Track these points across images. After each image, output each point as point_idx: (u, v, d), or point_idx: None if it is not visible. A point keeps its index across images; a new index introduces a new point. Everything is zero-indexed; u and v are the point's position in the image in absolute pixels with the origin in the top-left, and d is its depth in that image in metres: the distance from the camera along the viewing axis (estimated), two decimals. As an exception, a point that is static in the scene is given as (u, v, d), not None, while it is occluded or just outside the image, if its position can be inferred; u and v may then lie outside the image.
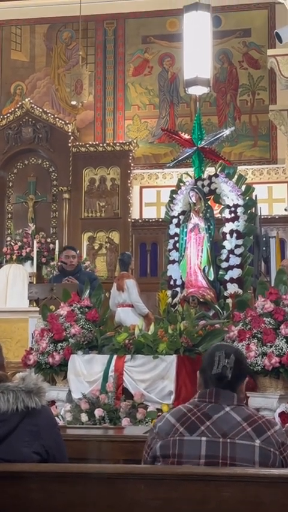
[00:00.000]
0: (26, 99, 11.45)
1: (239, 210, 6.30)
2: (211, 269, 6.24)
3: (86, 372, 5.47)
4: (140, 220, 11.16)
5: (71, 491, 2.20)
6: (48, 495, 2.22)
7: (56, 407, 5.41)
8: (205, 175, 6.68)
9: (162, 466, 2.26)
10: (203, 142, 6.70)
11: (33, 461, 2.39)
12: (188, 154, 6.80)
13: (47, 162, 11.52)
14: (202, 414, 2.27)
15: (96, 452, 3.32)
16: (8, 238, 11.25)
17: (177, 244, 6.59)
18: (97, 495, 2.18)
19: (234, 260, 6.18)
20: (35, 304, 8.23)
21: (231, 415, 2.26)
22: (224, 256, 6.25)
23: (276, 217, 10.63)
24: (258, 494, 2.09)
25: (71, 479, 2.22)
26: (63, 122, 11.31)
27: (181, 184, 6.88)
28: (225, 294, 6.14)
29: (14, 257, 10.69)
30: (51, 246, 11.03)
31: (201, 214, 6.40)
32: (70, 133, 11.24)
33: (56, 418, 4.93)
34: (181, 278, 6.48)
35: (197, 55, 6.87)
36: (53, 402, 5.49)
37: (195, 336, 5.25)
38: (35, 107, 11.36)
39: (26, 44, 12.06)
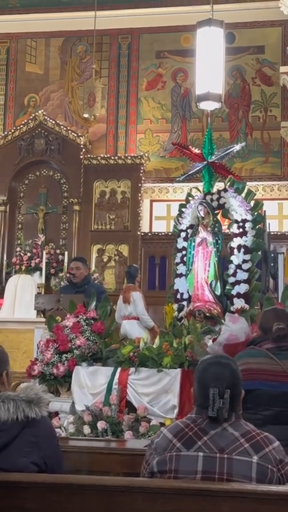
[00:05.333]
0: (39, 111, 11.54)
1: (247, 225, 6.29)
2: (218, 284, 6.22)
3: (90, 384, 5.46)
4: (149, 234, 11.17)
5: (68, 502, 2.19)
6: (44, 506, 2.21)
7: (59, 418, 5.40)
8: (214, 190, 6.68)
9: (160, 480, 2.25)
10: (213, 157, 6.70)
11: (30, 471, 2.38)
12: (198, 168, 6.80)
13: (59, 174, 11.58)
14: (199, 429, 2.25)
15: (97, 465, 3.30)
16: (18, 249, 11.29)
17: (185, 258, 6.58)
18: (94, 507, 2.17)
19: (242, 275, 6.16)
20: (42, 315, 8.24)
21: (228, 430, 2.24)
22: (231, 271, 6.23)
23: (286, 233, 10.61)
24: (256, 511, 2.07)
25: (68, 490, 2.21)
26: (75, 135, 11.38)
27: (190, 198, 6.88)
28: (231, 309, 6.11)
29: (23, 267, 10.70)
30: (60, 257, 11.05)
31: (209, 229, 6.39)
32: (82, 146, 11.30)
33: (59, 429, 4.93)
34: (188, 292, 6.46)
35: (209, 70, 6.89)
36: (56, 413, 5.49)
37: (201, 350, 5.23)
38: (48, 119, 11.44)
39: (41, 56, 12.17)
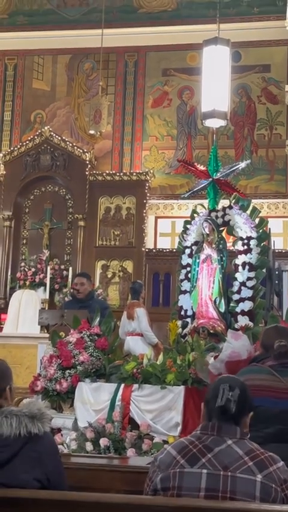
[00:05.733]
0: (46, 127, 11.60)
1: (252, 242, 6.28)
2: (222, 301, 6.21)
3: (93, 400, 5.44)
4: (154, 250, 11.17)
5: (70, 519, 2.17)
6: (46, 523, 2.19)
7: (62, 435, 5.37)
8: (219, 207, 6.69)
9: (162, 498, 2.23)
10: (218, 174, 6.72)
11: (33, 487, 2.37)
12: (203, 185, 6.82)
13: (64, 190, 11.61)
14: (203, 446, 2.24)
15: (99, 482, 3.27)
16: (22, 264, 11.30)
17: (189, 275, 6.57)
18: (95, 525, 2.15)
19: (246, 292, 6.14)
20: (45, 330, 8.23)
21: (233, 448, 2.23)
22: (235, 289, 6.22)
23: (291, 251, 10.58)
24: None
25: (70, 507, 2.20)
26: (81, 151, 11.43)
27: (195, 215, 6.89)
28: (235, 327, 6.09)
29: (27, 283, 10.71)
30: (64, 272, 11.05)
31: (214, 246, 6.39)
32: (87, 162, 11.34)
33: (61, 446, 4.89)
34: (192, 309, 6.45)
35: (215, 88, 6.94)
36: (58, 430, 5.45)
37: (204, 367, 5.20)
38: (54, 135, 11.49)
39: (48, 73, 12.25)
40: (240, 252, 6.33)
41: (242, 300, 6.17)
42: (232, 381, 2.38)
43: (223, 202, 6.91)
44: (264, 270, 6.32)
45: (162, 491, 2.24)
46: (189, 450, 2.25)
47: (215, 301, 6.21)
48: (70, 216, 11.50)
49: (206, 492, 2.17)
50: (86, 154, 11.37)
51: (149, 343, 7.38)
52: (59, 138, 11.49)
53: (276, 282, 6.96)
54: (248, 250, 6.27)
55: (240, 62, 11.34)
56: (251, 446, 2.26)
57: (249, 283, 6.18)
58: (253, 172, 11.14)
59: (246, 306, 6.12)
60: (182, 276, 6.72)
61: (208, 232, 6.44)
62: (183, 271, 6.70)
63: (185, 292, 6.61)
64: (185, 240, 6.81)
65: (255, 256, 6.24)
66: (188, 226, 6.87)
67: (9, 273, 11.33)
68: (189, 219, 6.96)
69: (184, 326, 6.27)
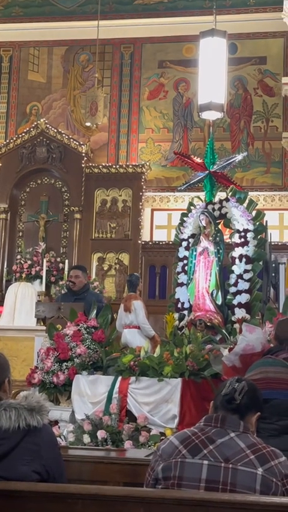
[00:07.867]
0: (41, 120, 11.57)
1: (249, 235, 6.27)
2: (219, 293, 6.20)
3: (90, 393, 5.44)
4: (150, 243, 11.18)
5: (69, 512, 2.18)
6: (45, 515, 2.19)
7: (59, 427, 5.37)
8: (216, 200, 6.68)
9: (162, 490, 2.23)
10: (215, 167, 6.70)
11: (32, 480, 2.37)
12: (199, 178, 6.80)
13: (60, 182, 11.59)
14: (206, 438, 2.26)
15: (96, 474, 3.28)
16: (18, 257, 11.30)
17: (186, 267, 6.57)
18: (94, 517, 2.15)
19: (243, 285, 6.14)
20: (42, 323, 8.22)
21: (235, 441, 2.24)
22: (232, 281, 6.21)
23: (287, 243, 10.61)
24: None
25: (69, 500, 2.20)
26: (77, 143, 11.41)
27: (192, 207, 6.88)
28: (232, 319, 6.09)
29: (24, 275, 10.70)
30: (60, 265, 11.05)
31: (210, 238, 6.38)
32: (84, 154, 11.33)
33: (58, 438, 4.90)
34: (189, 301, 6.45)
35: (212, 80, 6.91)
36: (56, 422, 5.46)
37: (201, 360, 5.22)
38: (50, 127, 11.47)
39: (44, 65, 12.21)
40: (237, 245, 6.32)
41: (238, 292, 6.16)
42: (241, 378, 2.42)
43: (220, 195, 6.89)
44: (261, 263, 6.31)
45: (163, 481, 2.25)
46: (191, 441, 2.26)
47: (211, 294, 6.21)
48: (66, 208, 11.49)
49: (206, 483, 2.18)
50: (82, 146, 11.35)
51: (146, 336, 7.39)
52: (55, 130, 11.46)
53: (273, 274, 6.97)
54: (244, 243, 6.26)
55: (237, 54, 11.32)
56: (254, 440, 2.26)
57: (246, 276, 6.17)
58: (249, 164, 11.14)
59: (243, 298, 6.12)
60: (178, 269, 6.71)
61: (205, 225, 6.43)
62: (180, 264, 6.69)
63: (181, 284, 6.61)
64: (182, 233, 6.79)
65: (252, 248, 6.24)
66: (185, 218, 6.86)
67: (5, 266, 11.33)
68: (185, 212, 6.95)
69: (181, 318, 6.27)
